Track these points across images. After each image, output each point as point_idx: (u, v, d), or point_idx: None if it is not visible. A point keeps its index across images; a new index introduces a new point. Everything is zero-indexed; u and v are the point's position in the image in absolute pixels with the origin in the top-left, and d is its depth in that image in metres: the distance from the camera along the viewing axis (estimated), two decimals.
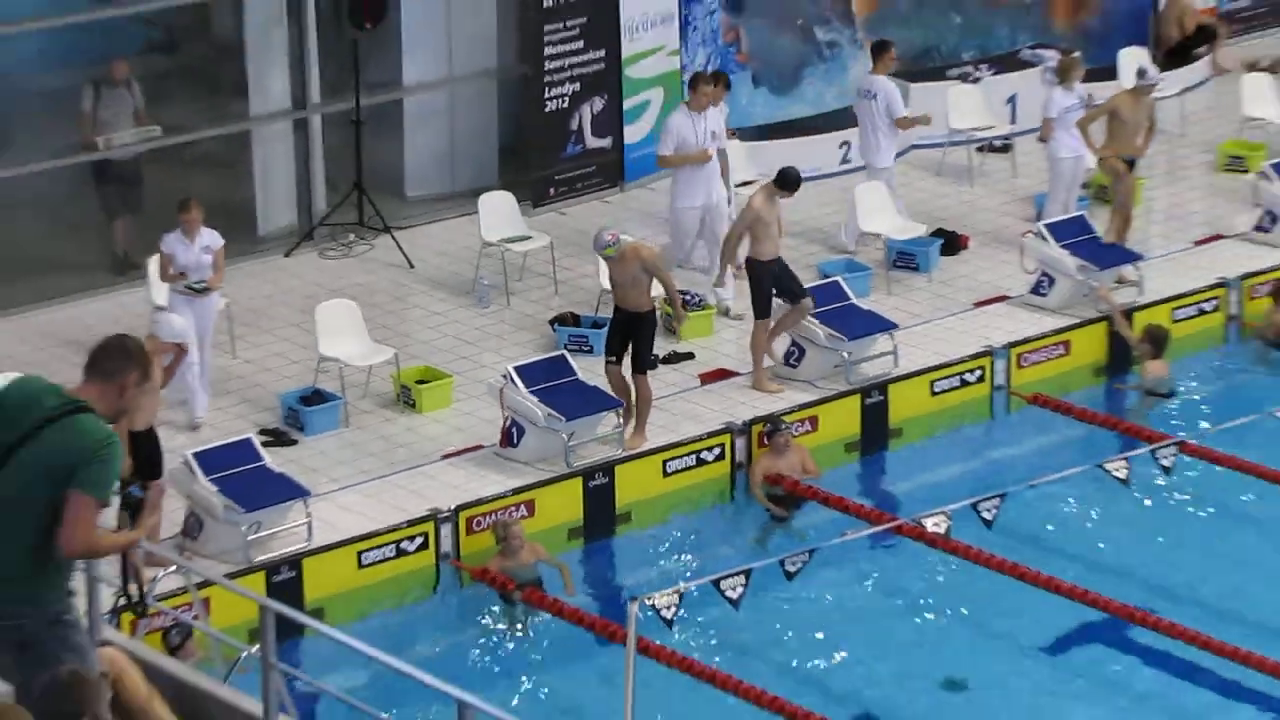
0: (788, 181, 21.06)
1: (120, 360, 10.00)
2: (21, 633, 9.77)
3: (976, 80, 26.58)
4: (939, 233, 23.89)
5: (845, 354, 21.11)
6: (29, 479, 9.69)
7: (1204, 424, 20.56)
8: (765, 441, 19.99)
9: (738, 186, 23.08)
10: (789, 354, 21.18)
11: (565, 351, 20.42)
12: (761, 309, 20.88)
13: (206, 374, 20.00)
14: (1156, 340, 21.90)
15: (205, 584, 15.25)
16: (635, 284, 19.63)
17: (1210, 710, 17.16)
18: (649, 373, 19.95)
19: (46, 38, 23.80)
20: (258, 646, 11.42)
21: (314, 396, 20.32)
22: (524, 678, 17.71)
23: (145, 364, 10.19)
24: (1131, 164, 23.25)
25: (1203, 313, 22.97)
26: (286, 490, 18.45)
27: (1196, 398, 22.03)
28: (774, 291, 20.81)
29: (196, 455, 18.31)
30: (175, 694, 10.99)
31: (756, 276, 20.93)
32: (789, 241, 22.15)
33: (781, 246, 21.05)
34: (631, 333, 19.77)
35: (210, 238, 19.83)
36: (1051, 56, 26.31)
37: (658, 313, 20.12)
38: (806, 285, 21.20)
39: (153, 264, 20.76)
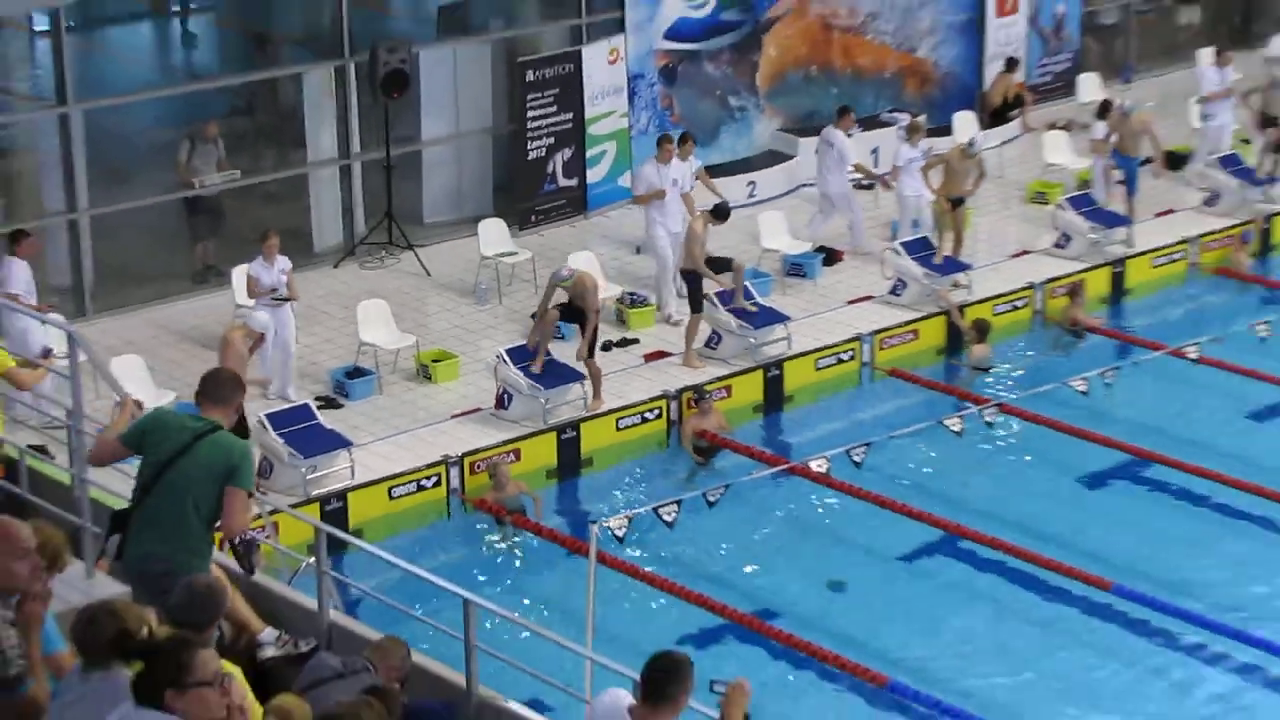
0: (721, 214, 21.09)
1: (230, 389, 10.33)
2: (172, 581, 9.74)
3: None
4: (821, 249, 23.85)
5: (752, 339, 21.09)
6: (194, 479, 9.92)
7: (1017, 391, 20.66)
8: (693, 405, 19.96)
9: None
10: (710, 339, 21.13)
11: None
12: (697, 305, 20.86)
13: (291, 363, 19.83)
14: (981, 329, 21.94)
15: (274, 511, 15.22)
16: (582, 300, 19.57)
17: (1021, 602, 17.20)
18: (596, 356, 19.91)
19: (157, 104, 23.67)
20: (314, 558, 11.40)
21: (355, 372, 20.23)
22: (512, 582, 17.67)
23: (244, 387, 10.59)
24: (959, 202, 23.26)
25: (1015, 308, 22.97)
26: (335, 441, 18.40)
27: (1011, 371, 22.05)
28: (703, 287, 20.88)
29: (268, 415, 18.26)
30: (250, 593, 10.95)
31: (691, 282, 20.90)
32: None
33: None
34: (577, 320, 19.70)
35: (283, 262, 19.72)
36: (904, 118, 26.26)
37: (612, 308, 20.09)
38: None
39: (237, 273, 20.71)
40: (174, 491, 9.96)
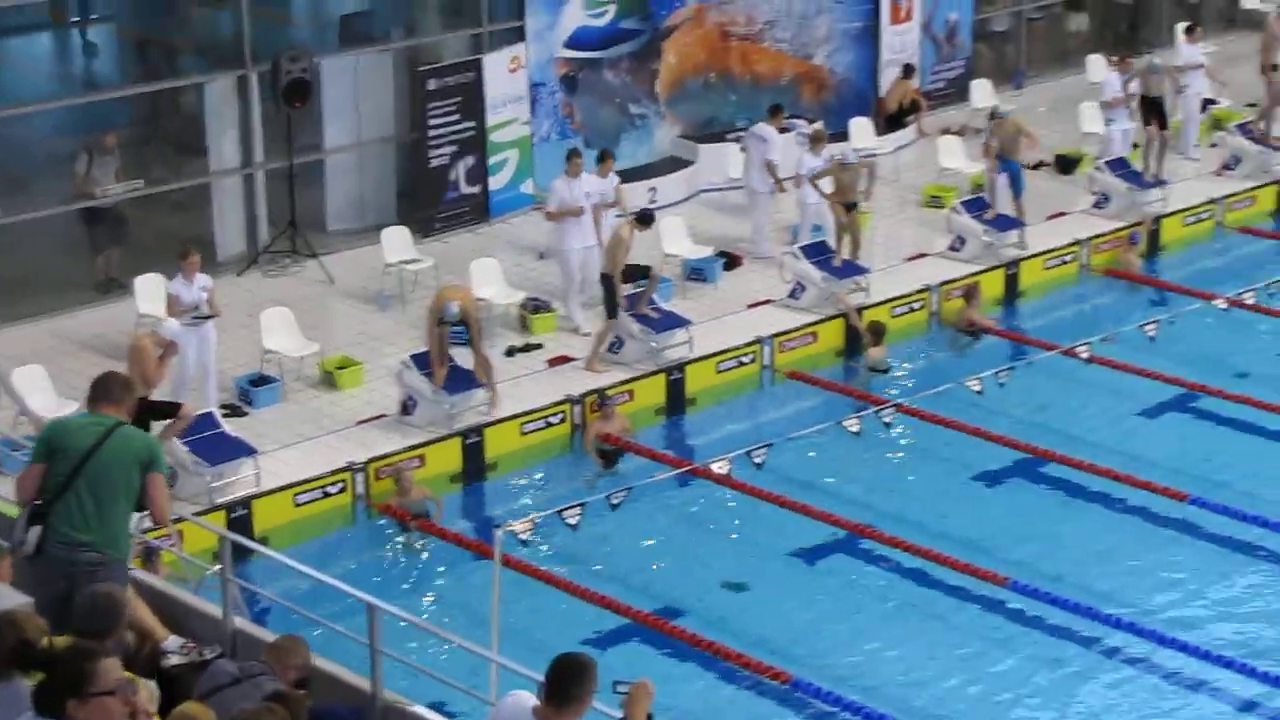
0: (646, 220, 21.17)
1: (120, 389, 10.58)
2: (104, 570, 10.10)
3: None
4: (721, 253, 23.89)
5: (653, 343, 21.09)
6: (118, 469, 10.17)
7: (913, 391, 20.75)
8: (596, 409, 19.96)
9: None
10: (613, 344, 21.11)
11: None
12: (612, 311, 20.87)
13: (213, 379, 19.57)
14: (877, 331, 22.07)
15: (179, 519, 15.06)
16: (467, 316, 19.40)
17: (921, 599, 17.29)
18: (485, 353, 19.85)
19: (59, 114, 23.42)
20: (219, 566, 11.31)
21: (260, 379, 20.09)
22: (417, 586, 17.60)
23: (134, 388, 10.90)
24: (853, 206, 23.27)
25: (912, 310, 23.09)
26: (240, 449, 18.26)
27: (908, 372, 22.15)
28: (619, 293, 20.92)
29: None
30: (155, 601, 10.86)
31: (610, 288, 20.89)
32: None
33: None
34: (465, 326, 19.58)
35: (204, 279, 19.50)
36: (802, 124, 26.31)
37: (515, 314, 19.98)
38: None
39: (139, 282, 20.64)
40: (101, 483, 10.13)
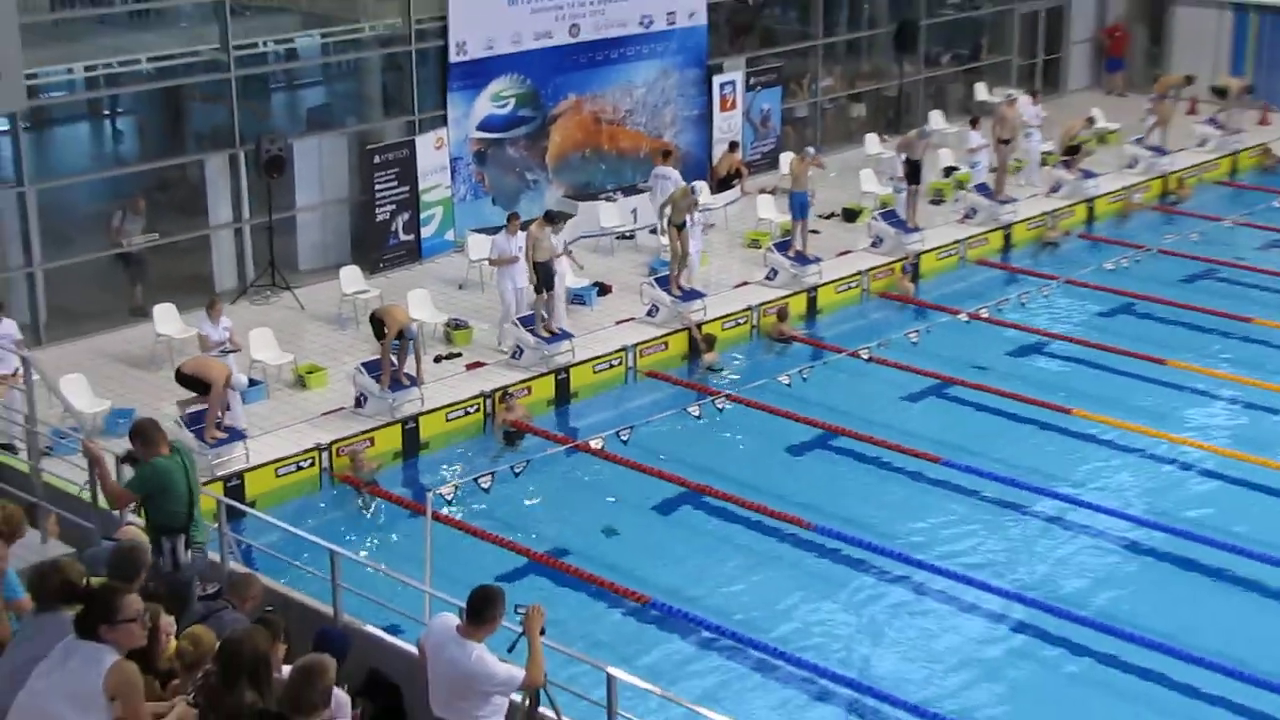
0: (553, 218, 21.54)
1: (158, 430, 10.36)
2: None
3: (614, 200, 26.67)
4: (596, 284, 23.92)
5: (546, 352, 21.09)
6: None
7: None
8: (502, 401, 19.94)
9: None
10: (514, 353, 21.10)
11: (392, 357, 20.05)
12: (539, 290, 21.02)
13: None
14: (710, 341, 22.18)
15: None
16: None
17: (744, 539, 17.41)
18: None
19: (93, 184, 23.11)
20: (218, 524, 11.25)
21: (250, 382, 19.82)
22: (369, 537, 17.51)
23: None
24: (682, 226, 22.97)
25: (738, 324, 23.16)
26: (233, 435, 18.09)
27: (735, 371, 22.29)
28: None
29: (182, 416, 17.87)
30: None
31: (536, 274, 20.97)
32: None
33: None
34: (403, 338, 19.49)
35: (226, 321, 19.16)
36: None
37: (441, 330, 19.87)
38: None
39: (157, 310, 20.58)
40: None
